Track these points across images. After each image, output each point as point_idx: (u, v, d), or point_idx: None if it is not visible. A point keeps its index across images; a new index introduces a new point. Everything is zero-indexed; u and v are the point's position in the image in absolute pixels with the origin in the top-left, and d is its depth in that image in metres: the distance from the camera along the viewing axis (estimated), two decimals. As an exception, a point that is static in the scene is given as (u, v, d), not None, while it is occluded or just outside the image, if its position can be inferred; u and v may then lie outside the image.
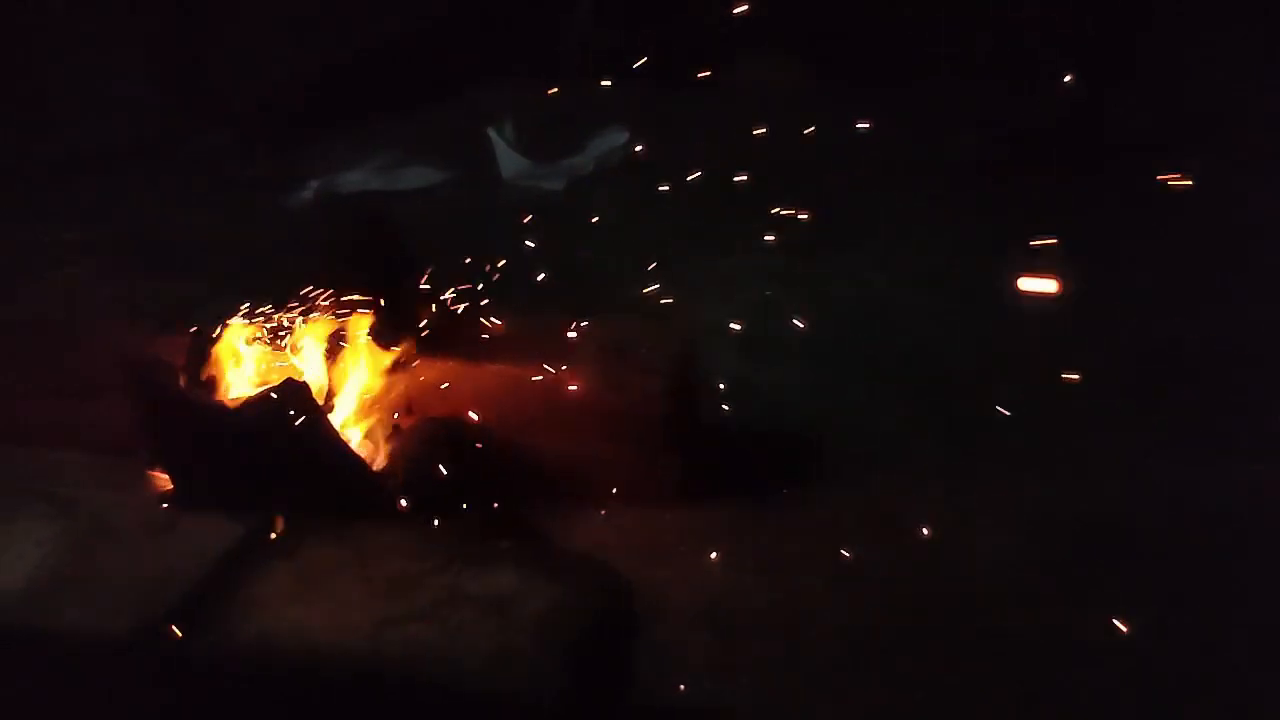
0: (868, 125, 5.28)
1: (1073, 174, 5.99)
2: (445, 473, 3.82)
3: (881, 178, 5.88)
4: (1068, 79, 5.93)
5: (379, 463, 3.99)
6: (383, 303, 4.22)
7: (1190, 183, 4.74)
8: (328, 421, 3.93)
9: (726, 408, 4.14)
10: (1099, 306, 4.58)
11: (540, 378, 4.03)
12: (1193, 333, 4.64)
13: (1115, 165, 5.91)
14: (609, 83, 5.84)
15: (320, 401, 4.01)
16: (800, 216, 4.79)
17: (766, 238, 4.88)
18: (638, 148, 6.45)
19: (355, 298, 4.27)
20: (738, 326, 4.49)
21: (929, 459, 4.03)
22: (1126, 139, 6.14)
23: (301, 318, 4.27)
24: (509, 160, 7.07)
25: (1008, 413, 3.91)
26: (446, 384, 4.12)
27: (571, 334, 4.20)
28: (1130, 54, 6.41)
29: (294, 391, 3.82)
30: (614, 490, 3.85)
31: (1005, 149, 6.34)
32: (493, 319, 4.30)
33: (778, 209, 4.83)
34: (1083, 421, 4.05)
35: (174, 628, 3.27)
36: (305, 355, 4.20)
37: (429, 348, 4.24)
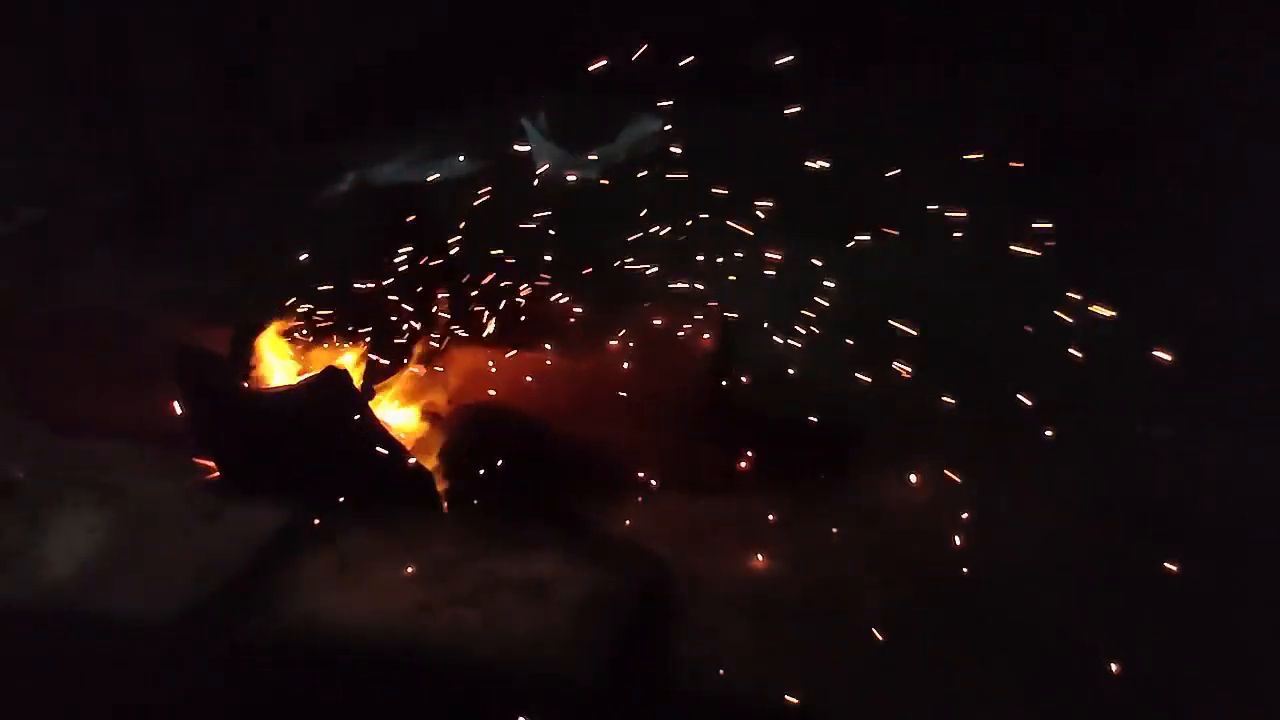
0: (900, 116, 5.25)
1: (1109, 164, 5.91)
2: (485, 460, 3.87)
3: (918, 168, 5.83)
4: (1101, 72, 5.86)
5: (420, 450, 4.04)
6: (419, 292, 4.27)
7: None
8: (369, 410, 3.99)
9: (764, 397, 4.15)
10: (1141, 294, 4.53)
11: (577, 366, 4.07)
12: (1237, 319, 4.58)
13: (1150, 156, 5.83)
14: (642, 77, 5.83)
15: (361, 390, 4.07)
16: (837, 207, 4.78)
17: (803, 227, 4.87)
18: (671, 137, 6.44)
19: (393, 287, 4.33)
20: (775, 316, 4.49)
21: (969, 446, 4.01)
22: (1160, 131, 6.05)
23: (341, 308, 4.32)
24: (543, 150, 7.08)
25: (1037, 401, 3.89)
26: (485, 372, 4.16)
27: (610, 323, 4.23)
28: (1163, 48, 6.32)
29: (336, 380, 3.88)
30: (653, 477, 3.89)
31: (1044, 141, 6.26)
32: (531, 308, 4.34)
33: (813, 200, 4.82)
34: (1128, 408, 4.03)
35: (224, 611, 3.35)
36: (346, 345, 4.26)
37: (467, 336, 4.29)
